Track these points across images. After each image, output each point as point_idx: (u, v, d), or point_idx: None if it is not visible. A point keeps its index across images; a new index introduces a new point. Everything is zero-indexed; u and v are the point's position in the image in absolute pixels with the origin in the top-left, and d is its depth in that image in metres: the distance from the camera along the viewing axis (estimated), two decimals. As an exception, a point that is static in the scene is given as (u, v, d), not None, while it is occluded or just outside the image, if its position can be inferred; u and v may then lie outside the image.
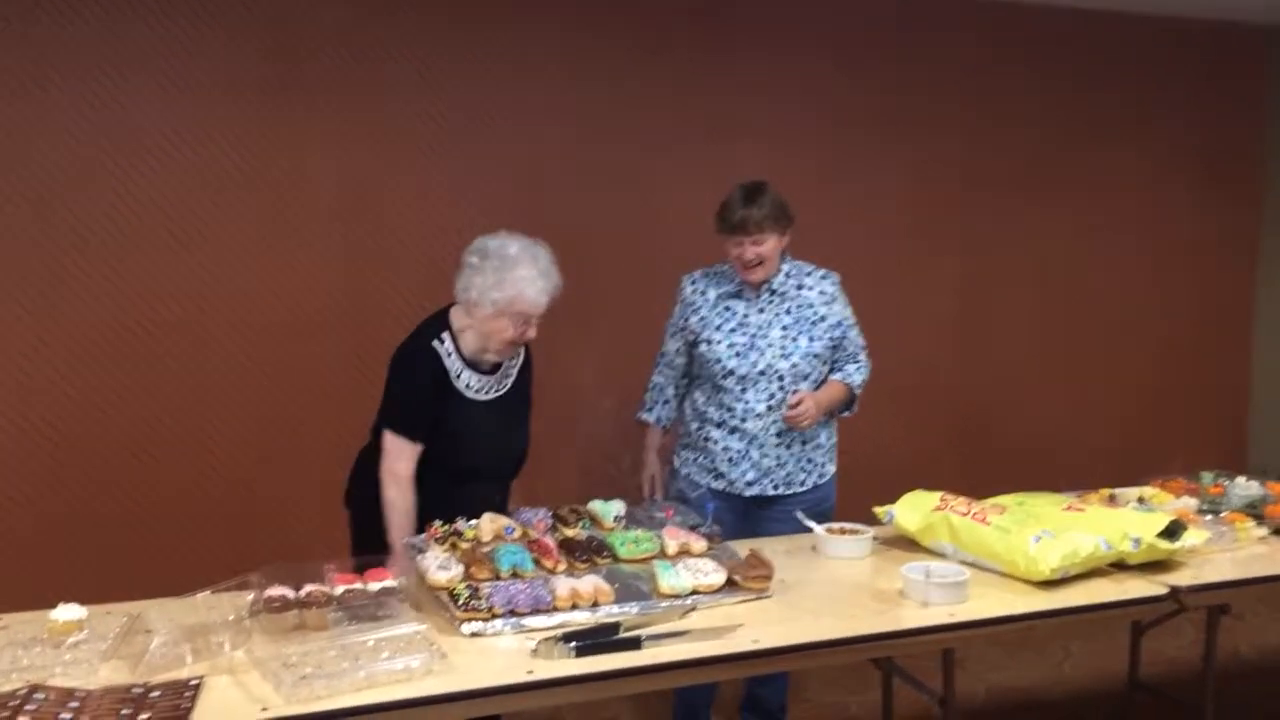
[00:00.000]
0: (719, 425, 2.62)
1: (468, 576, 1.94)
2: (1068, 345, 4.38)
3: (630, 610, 1.89)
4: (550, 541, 2.10)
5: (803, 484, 2.65)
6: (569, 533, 2.18)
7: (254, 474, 3.32)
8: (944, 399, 4.18)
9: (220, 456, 3.30)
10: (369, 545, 2.16)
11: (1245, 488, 2.70)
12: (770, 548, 2.23)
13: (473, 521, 2.12)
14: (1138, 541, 2.17)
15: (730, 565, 2.05)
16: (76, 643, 1.70)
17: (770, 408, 2.57)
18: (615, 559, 2.09)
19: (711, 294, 2.65)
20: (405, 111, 3.38)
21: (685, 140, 3.68)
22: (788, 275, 2.62)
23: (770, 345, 2.57)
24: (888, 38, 3.94)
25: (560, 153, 3.55)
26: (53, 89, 3.03)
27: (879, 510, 2.43)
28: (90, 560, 3.16)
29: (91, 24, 3.05)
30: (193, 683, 1.59)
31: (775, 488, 2.62)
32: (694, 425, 2.69)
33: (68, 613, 1.75)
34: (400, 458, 2.23)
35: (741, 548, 2.19)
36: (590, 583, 1.92)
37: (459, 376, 2.28)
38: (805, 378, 2.59)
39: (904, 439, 3.93)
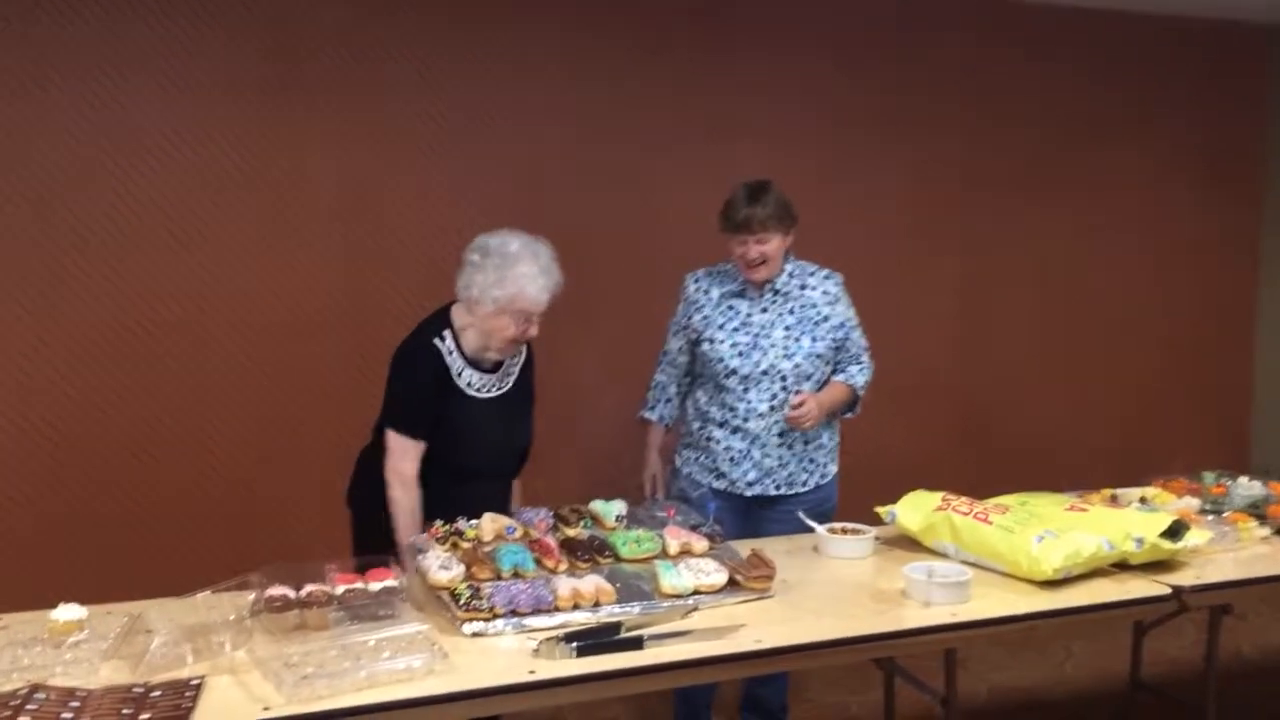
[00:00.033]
0: (721, 425, 2.61)
1: (469, 576, 1.94)
2: (1069, 345, 4.38)
3: (632, 610, 1.89)
4: (552, 541, 2.09)
5: (805, 484, 2.64)
6: (570, 532, 2.17)
7: (254, 474, 3.32)
8: (945, 398, 4.18)
9: (220, 456, 3.29)
10: (371, 545, 2.16)
11: (1248, 488, 2.69)
12: (772, 548, 2.22)
13: (474, 521, 2.12)
14: (1140, 541, 2.16)
15: (732, 565, 2.04)
16: (77, 642, 1.69)
17: (772, 408, 2.56)
18: (617, 559, 2.09)
19: (715, 293, 2.65)
20: (405, 111, 3.38)
21: (685, 140, 3.68)
22: (791, 275, 2.62)
23: (773, 345, 2.57)
24: (888, 37, 3.94)
25: (560, 152, 3.55)
26: (53, 89, 3.03)
27: (881, 510, 2.43)
28: (90, 560, 3.16)
29: (91, 24, 3.05)
30: (194, 682, 1.59)
31: (777, 488, 2.62)
32: (696, 425, 2.69)
33: (68, 613, 1.75)
34: (404, 457, 2.23)
35: (743, 548, 2.19)
36: (592, 583, 1.92)
37: (460, 374, 2.28)
38: (808, 378, 2.59)
39: (905, 439, 3.92)
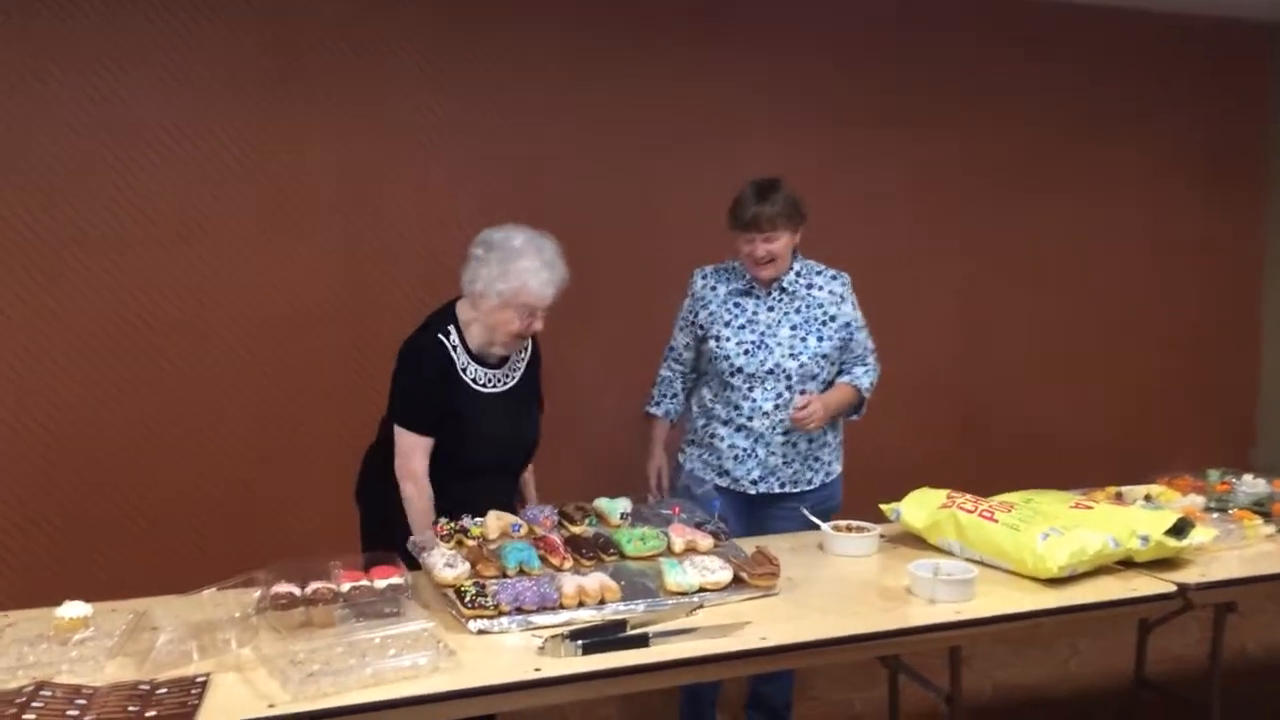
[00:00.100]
0: (726, 423, 2.61)
1: (474, 574, 1.93)
2: (1072, 342, 4.37)
3: (637, 608, 1.89)
4: (557, 539, 2.09)
5: (809, 482, 2.64)
6: (575, 530, 2.17)
7: (255, 472, 3.31)
8: (947, 396, 4.17)
9: (221, 452, 3.29)
10: (379, 541, 2.15)
11: (1252, 485, 2.69)
12: (776, 545, 2.22)
13: (479, 519, 2.11)
14: (1145, 539, 2.16)
15: (737, 563, 2.04)
16: (82, 640, 1.69)
17: (777, 406, 2.56)
18: (622, 556, 2.08)
19: (721, 290, 2.64)
20: (405, 106, 3.37)
21: (685, 138, 3.68)
22: (798, 274, 2.61)
23: (779, 344, 2.56)
24: (887, 35, 3.93)
25: (560, 148, 3.54)
26: (53, 82, 3.02)
27: (885, 508, 2.42)
28: (91, 559, 3.15)
29: (91, 17, 3.04)
30: (199, 680, 1.59)
31: (781, 486, 2.61)
32: (700, 422, 2.68)
33: (73, 610, 1.74)
34: (413, 454, 2.22)
35: (748, 545, 2.18)
36: (597, 580, 1.92)
37: (465, 370, 2.28)
38: (813, 378, 2.58)
39: (907, 437, 3.92)
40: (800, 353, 2.56)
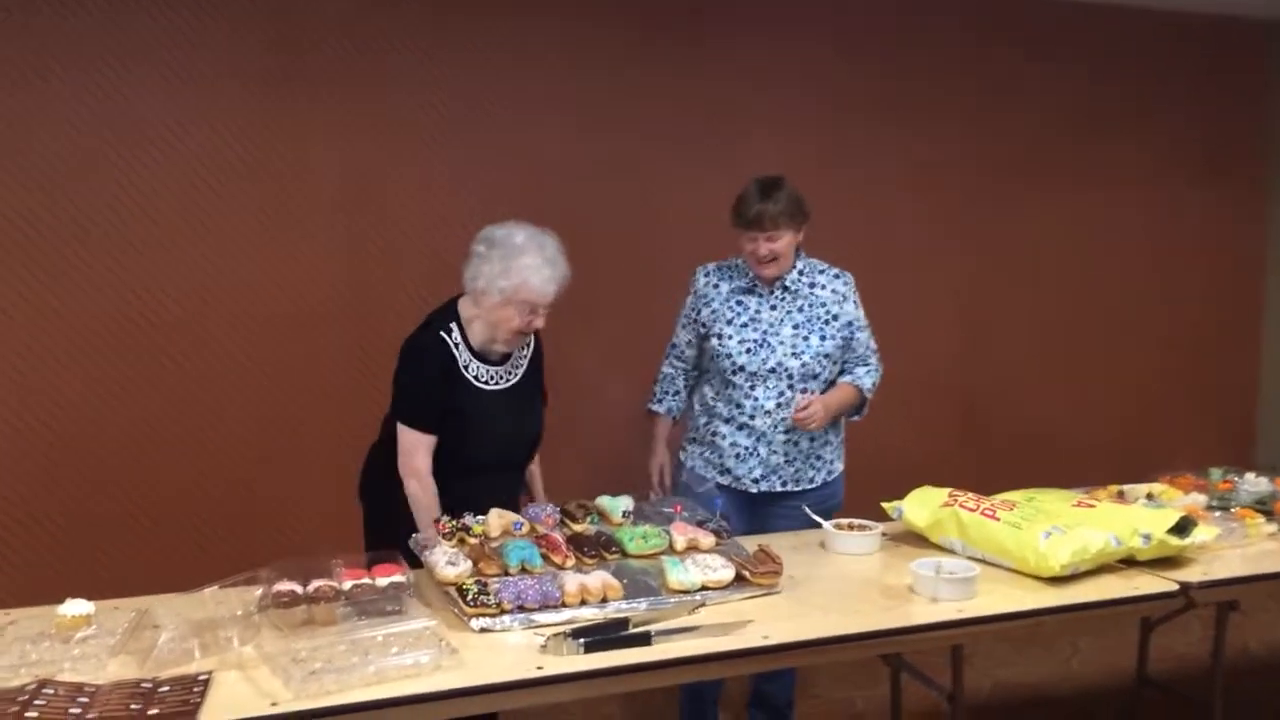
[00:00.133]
0: (727, 421, 2.61)
1: (476, 572, 1.93)
2: (1073, 341, 4.37)
3: (639, 606, 1.89)
4: (559, 537, 2.09)
5: (811, 481, 2.64)
6: (577, 528, 2.17)
7: (257, 470, 3.31)
8: (948, 394, 4.17)
9: (223, 450, 3.28)
10: (382, 538, 2.15)
11: (1254, 483, 2.68)
12: (778, 543, 2.22)
13: (480, 517, 2.11)
14: (1148, 538, 2.16)
15: (739, 561, 2.04)
16: (85, 638, 1.69)
17: (779, 405, 2.56)
18: (624, 554, 2.08)
19: (724, 288, 2.64)
20: (408, 103, 3.37)
21: (685, 129, 3.67)
22: (801, 273, 2.61)
23: (781, 343, 2.56)
24: (887, 25, 3.92)
25: (561, 142, 3.54)
26: (54, 79, 3.02)
27: (887, 506, 2.42)
28: (92, 558, 3.15)
29: (94, 14, 3.04)
30: (201, 678, 1.59)
31: (783, 484, 2.61)
32: (702, 420, 2.68)
33: (75, 608, 1.74)
34: (416, 452, 2.22)
35: (750, 543, 2.18)
36: (599, 578, 1.92)
37: (467, 367, 2.27)
38: (815, 377, 2.58)
39: (909, 436, 3.92)
40: (802, 352, 2.56)
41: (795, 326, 2.57)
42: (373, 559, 1.94)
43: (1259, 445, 4.69)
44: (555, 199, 3.40)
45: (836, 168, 3.81)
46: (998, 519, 2.19)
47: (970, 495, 2.32)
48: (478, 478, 2.27)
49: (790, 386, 2.56)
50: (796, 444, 2.59)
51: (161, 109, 3.12)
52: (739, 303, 2.61)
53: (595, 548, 2.06)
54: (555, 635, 1.73)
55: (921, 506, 2.35)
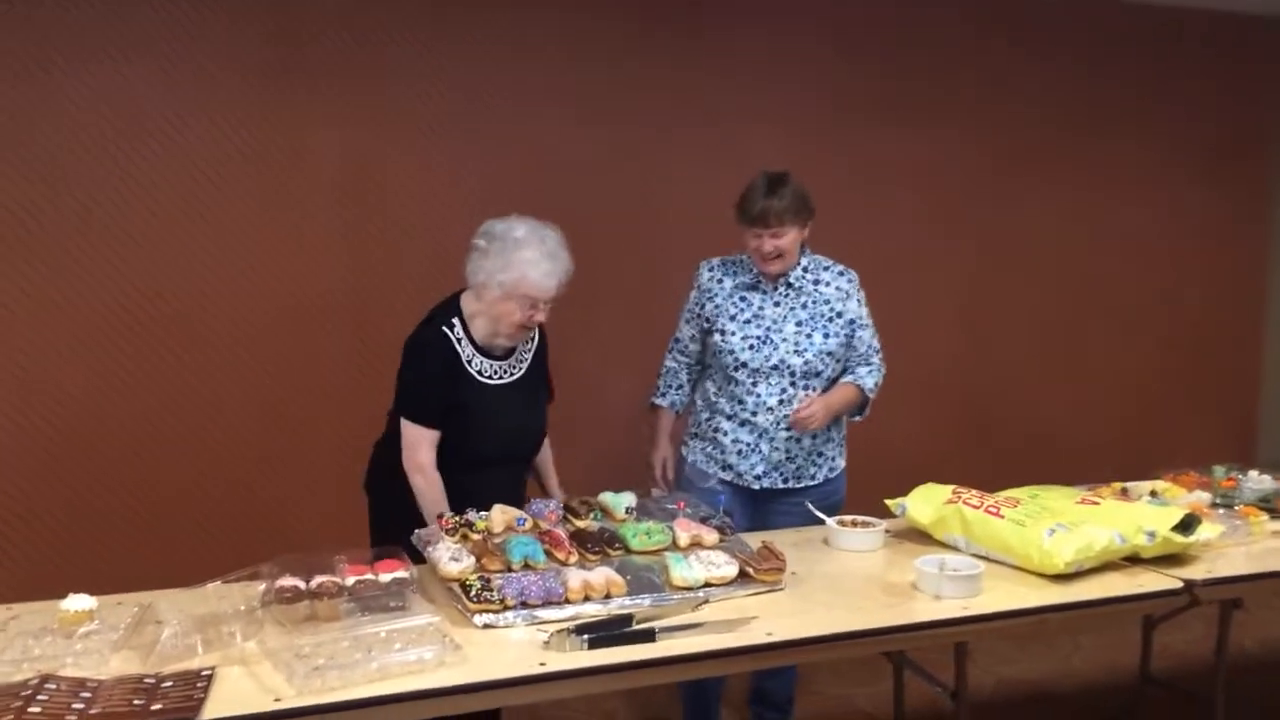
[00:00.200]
0: (730, 417, 2.60)
1: (479, 568, 1.93)
2: (1075, 338, 4.36)
3: (643, 602, 1.89)
4: (562, 533, 2.08)
5: (813, 478, 2.63)
6: (580, 524, 2.16)
7: (257, 466, 3.30)
8: (950, 392, 4.16)
9: (223, 444, 3.27)
10: (388, 532, 2.15)
11: (1258, 481, 2.68)
12: (781, 540, 2.22)
13: (483, 513, 2.11)
14: (1152, 535, 2.15)
15: (743, 558, 2.04)
16: (87, 633, 1.68)
17: (782, 402, 2.55)
18: (627, 551, 2.08)
19: (728, 283, 2.63)
20: (407, 94, 3.36)
21: (684, 122, 3.66)
22: (805, 270, 2.60)
23: (784, 340, 2.55)
24: (887, 19, 3.90)
25: (561, 135, 3.53)
26: (56, 71, 3.00)
27: (891, 503, 2.42)
28: (94, 554, 3.14)
29: (95, 6, 3.02)
30: (205, 673, 1.58)
31: (785, 481, 2.61)
32: (704, 415, 2.68)
33: (78, 603, 1.74)
34: (419, 447, 2.22)
35: (753, 540, 2.18)
36: (602, 574, 1.91)
37: (470, 362, 2.27)
38: (817, 374, 2.57)
39: (911, 433, 3.91)
40: (805, 349, 2.55)
41: (799, 324, 2.56)
42: (376, 555, 1.94)
43: (1260, 443, 4.69)
44: (555, 191, 3.39)
45: (836, 163, 3.79)
46: (1001, 516, 2.19)
47: (974, 492, 2.32)
48: (482, 472, 2.26)
49: (793, 384, 2.55)
50: (799, 441, 2.58)
51: (161, 101, 3.11)
52: (742, 299, 2.60)
53: (598, 544, 2.06)
54: (559, 631, 1.72)
55: (925, 503, 2.35)
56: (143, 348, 3.16)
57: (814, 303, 2.58)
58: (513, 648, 1.72)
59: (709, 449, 2.65)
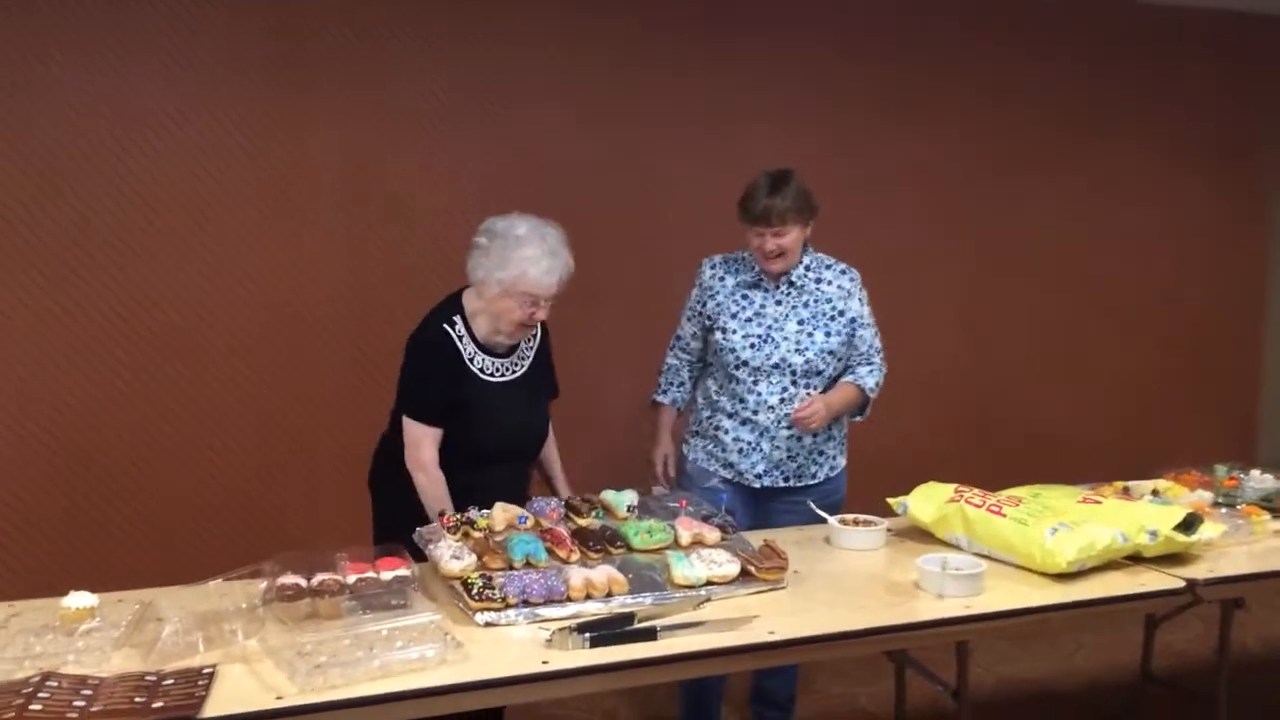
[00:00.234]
0: (730, 415, 2.60)
1: (481, 566, 1.92)
2: (1075, 337, 4.36)
3: (644, 601, 1.88)
4: (563, 531, 2.08)
5: (814, 476, 2.63)
6: (582, 522, 2.16)
7: (257, 470, 3.30)
8: (951, 391, 4.16)
9: (224, 448, 3.27)
10: (391, 529, 2.15)
11: (1260, 480, 2.68)
12: (783, 538, 2.21)
13: (485, 511, 2.10)
14: (1154, 534, 2.15)
15: (745, 556, 2.03)
16: (88, 630, 1.68)
17: (783, 400, 2.55)
18: (629, 549, 2.07)
19: (730, 281, 2.62)
20: (408, 90, 3.35)
21: (685, 121, 3.65)
22: (807, 268, 2.59)
23: (786, 339, 2.55)
24: (888, 21, 3.89)
25: (562, 133, 3.52)
26: (55, 66, 3.00)
27: (893, 501, 2.41)
28: (92, 563, 3.14)
29: (95, 0, 3.02)
30: (206, 671, 1.58)
31: (786, 480, 2.60)
32: (705, 413, 2.67)
33: (79, 600, 1.73)
34: (422, 445, 2.22)
35: (755, 538, 2.17)
36: (604, 573, 1.91)
37: (472, 360, 2.27)
38: (819, 373, 2.57)
39: (911, 431, 3.91)
40: (806, 348, 2.54)
41: (800, 322, 2.56)
42: (377, 552, 1.93)
43: (1261, 443, 4.69)
44: (555, 191, 3.38)
45: (836, 163, 3.78)
46: (1004, 515, 2.19)
47: (976, 491, 2.31)
48: (484, 470, 2.26)
49: (794, 382, 2.55)
50: (800, 439, 2.58)
51: (161, 96, 3.10)
52: (744, 297, 2.60)
53: (600, 542, 2.05)
54: (561, 630, 1.72)
55: (927, 502, 2.35)
56: (141, 356, 3.15)
57: (816, 301, 2.58)
58: (514, 646, 1.72)
59: (710, 447, 2.65)
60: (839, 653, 1.89)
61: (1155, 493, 2.58)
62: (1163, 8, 4.24)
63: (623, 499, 2.25)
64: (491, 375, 2.29)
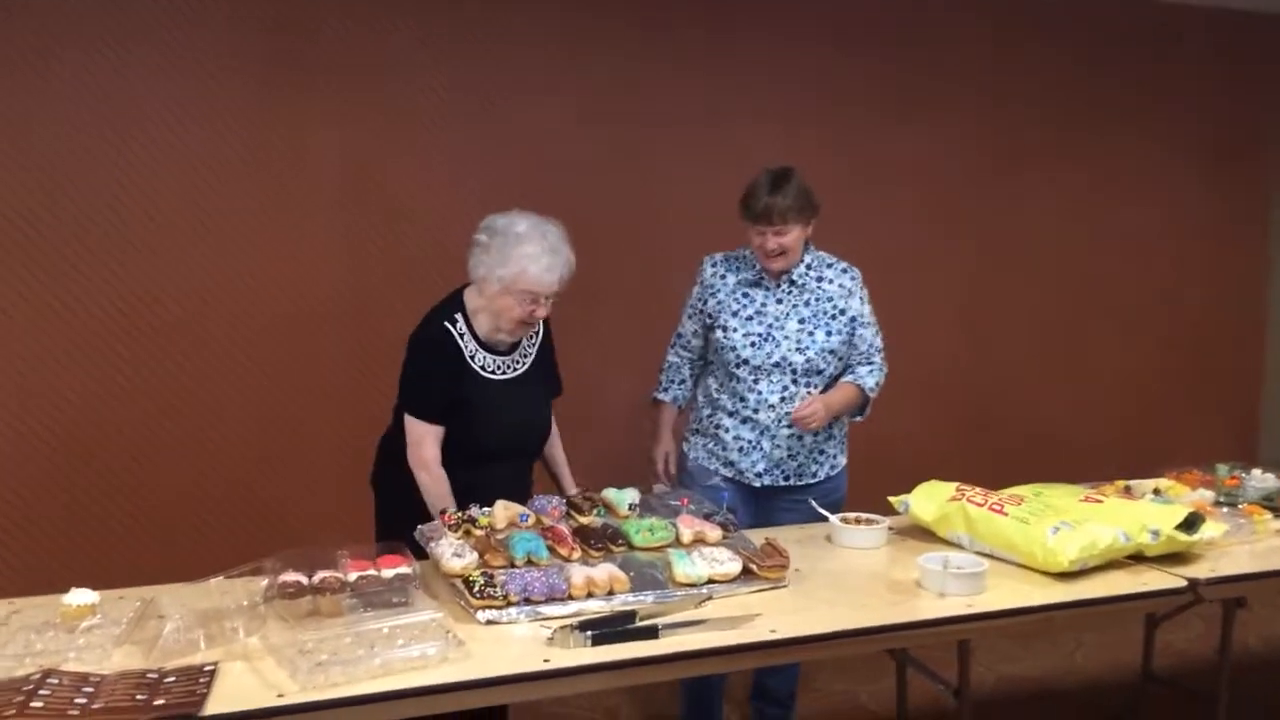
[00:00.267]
0: (731, 414, 2.60)
1: (482, 564, 1.92)
2: (1077, 336, 4.35)
3: (646, 599, 1.88)
4: (565, 529, 2.07)
5: (814, 475, 2.63)
6: (583, 520, 2.16)
7: (257, 467, 3.29)
8: (952, 389, 4.15)
9: (223, 446, 3.26)
10: (393, 527, 2.15)
11: (1261, 480, 2.68)
12: (784, 537, 2.21)
13: (486, 509, 2.10)
14: (1156, 533, 2.15)
15: (746, 554, 2.03)
16: (89, 627, 1.68)
17: (783, 399, 2.54)
18: (630, 547, 2.07)
19: (731, 279, 2.62)
20: (408, 90, 3.35)
21: (685, 119, 3.65)
22: (809, 267, 2.59)
23: (786, 337, 2.54)
24: (888, 18, 3.88)
25: (562, 131, 3.52)
26: (54, 60, 2.99)
27: (894, 500, 2.41)
28: (92, 560, 3.13)
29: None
30: (207, 668, 1.58)
31: (786, 479, 2.60)
32: (706, 412, 2.67)
33: (80, 597, 1.73)
34: (424, 443, 2.21)
35: (756, 537, 2.17)
36: (605, 571, 1.91)
37: (473, 357, 2.26)
38: (819, 372, 2.56)
39: (912, 430, 3.90)
40: (807, 347, 2.54)
41: (801, 321, 2.55)
42: (378, 550, 1.93)
43: (1262, 442, 4.69)
44: (555, 189, 3.37)
45: (836, 161, 3.78)
46: (1005, 514, 2.19)
47: (978, 490, 2.31)
48: (485, 467, 2.26)
49: (794, 381, 2.54)
50: (800, 438, 2.58)
51: (161, 90, 3.10)
52: (745, 295, 2.59)
53: (601, 540, 2.05)
54: (562, 628, 1.72)
55: (929, 501, 2.34)
56: (141, 351, 3.15)
57: (817, 300, 2.57)
58: (516, 644, 1.72)
59: (710, 446, 2.64)
60: (840, 651, 1.89)
61: (1157, 492, 2.58)
62: (1163, 6, 4.24)
63: (624, 497, 2.25)
64: (493, 373, 2.29)
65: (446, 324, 2.26)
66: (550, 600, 1.83)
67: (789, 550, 2.06)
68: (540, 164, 3.48)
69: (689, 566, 1.96)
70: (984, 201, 4.13)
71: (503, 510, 2.10)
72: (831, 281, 2.59)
